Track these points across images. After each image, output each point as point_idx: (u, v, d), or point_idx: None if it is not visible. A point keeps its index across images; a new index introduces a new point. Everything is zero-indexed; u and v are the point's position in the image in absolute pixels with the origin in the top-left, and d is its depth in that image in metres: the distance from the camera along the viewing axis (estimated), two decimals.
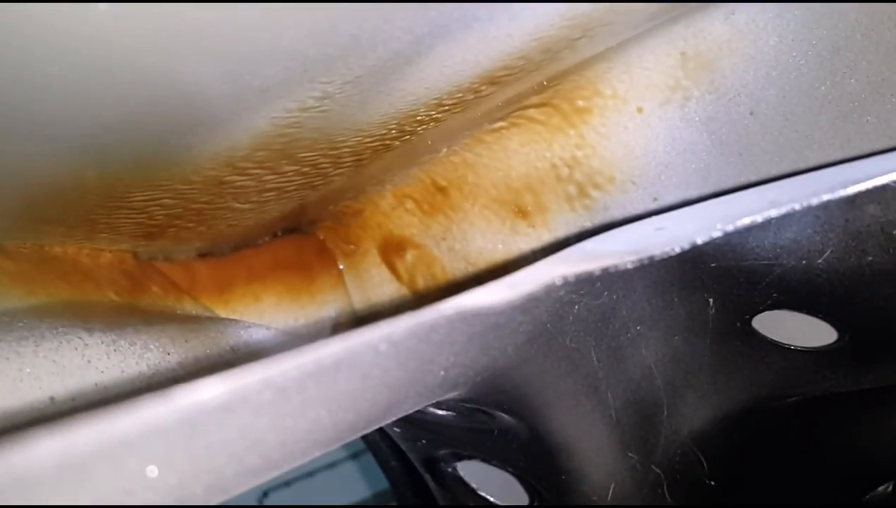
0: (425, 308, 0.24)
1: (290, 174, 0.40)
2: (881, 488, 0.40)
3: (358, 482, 1.04)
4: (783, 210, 0.29)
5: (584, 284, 0.30)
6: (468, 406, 0.33)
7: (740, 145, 0.43)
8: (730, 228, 0.29)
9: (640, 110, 0.45)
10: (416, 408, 0.27)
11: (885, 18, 0.38)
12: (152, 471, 0.17)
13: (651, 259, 0.30)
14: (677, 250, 0.30)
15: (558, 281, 0.28)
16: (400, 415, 0.26)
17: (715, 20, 0.42)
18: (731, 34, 0.42)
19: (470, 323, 0.25)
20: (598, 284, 0.30)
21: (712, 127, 0.43)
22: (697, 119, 0.44)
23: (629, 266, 0.30)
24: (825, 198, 0.29)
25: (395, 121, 0.39)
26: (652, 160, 0.46)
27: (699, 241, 0.30)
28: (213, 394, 0.18)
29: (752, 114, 0.42)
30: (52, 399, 0.34)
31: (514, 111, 0.48)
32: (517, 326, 0.28)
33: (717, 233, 0.30)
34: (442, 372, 0.26)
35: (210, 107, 0.29)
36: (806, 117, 0.41)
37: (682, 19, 0.42)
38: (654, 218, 0.35)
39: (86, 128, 0.27)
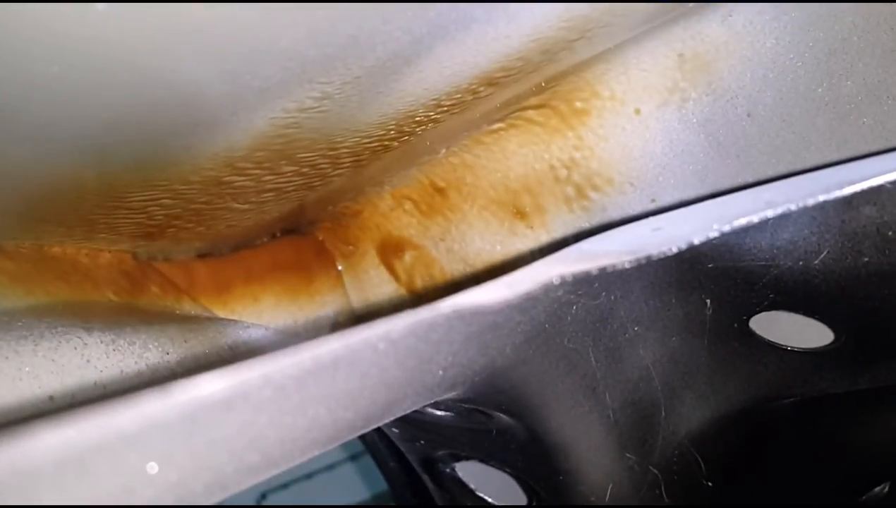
0: (423, 307, 0.24)
1: (288, 174, 0.40)
2: (878, 488, 0.40)
3: (356, 483, 1.04)
4: (779, 210, 0.29)
5: (582, 284, 0.30)
6: (466, 406, 0.33)
7: (738, 147, 0.43)
8: (726, 228, 0.30)
9: (637, 112, 0.45)
10: (415, 408, 0.27)
11: (881, 21, 0.38)
12: (152, 468, 0.17)
13: (648, 259, 0.30)
14: (674, 250, 0.30)
15: (556, 281, 0.28)
16: (398, 415, 0.26)
17: (712, 22, 0.42)
18: (728, 36, 0.42)
19: (468, 322, 0.26)
20: (596, 284, 0.30)
21: (710, 128, 0.44)
22: (695, 120, 0.44)
23: (626, 266, 0.30)
24: (821, 198, 0.29)
25: (393, 122, 0.39)
26: (650, 161, 0.46)
27: (696, 241, 0.30)
28: (214, 390, 0.18)
29: (749, 115, 0.42)
30: (51, 398, 0.34)
31: (512, 112, 0.48)
32: (515, 326, 0.28)
33: (713, 234, 0.30)
34: (440, 372, 0.26)
35: (209, 107, 0.29)
36: (803, 119, 0.41)
37: (679, 21, 0.42)
38: (652, 218, 0.35)
39: (85, 128, 0.27)
